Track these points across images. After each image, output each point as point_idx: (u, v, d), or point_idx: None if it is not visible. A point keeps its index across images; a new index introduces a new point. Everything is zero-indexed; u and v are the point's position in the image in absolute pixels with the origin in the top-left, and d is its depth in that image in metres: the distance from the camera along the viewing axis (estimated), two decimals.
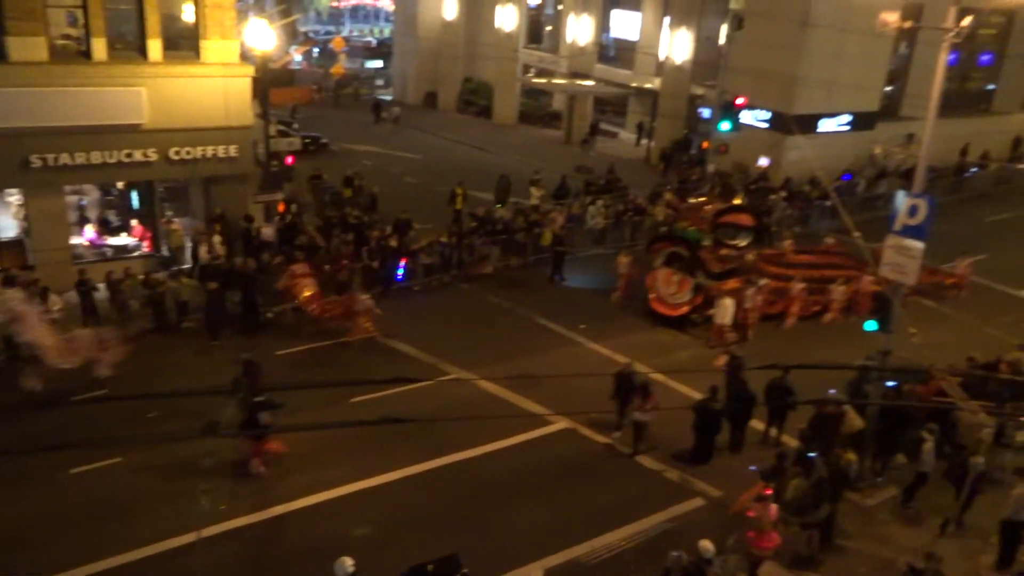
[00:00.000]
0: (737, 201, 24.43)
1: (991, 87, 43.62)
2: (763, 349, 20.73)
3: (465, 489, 15.25)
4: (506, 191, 30.77)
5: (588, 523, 14.36)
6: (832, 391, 16.50)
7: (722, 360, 17.45)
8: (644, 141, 42.39)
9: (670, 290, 22.21)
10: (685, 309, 22.06)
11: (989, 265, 27.47)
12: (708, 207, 22.97)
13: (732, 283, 21.88)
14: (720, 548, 12.62)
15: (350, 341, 20.27)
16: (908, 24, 16.27)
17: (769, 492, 13.08)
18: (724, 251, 22.52)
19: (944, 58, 14.64)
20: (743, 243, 22.80)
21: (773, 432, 17.13)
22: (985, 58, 42.98)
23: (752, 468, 13.80)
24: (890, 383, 16.74)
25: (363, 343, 20.59)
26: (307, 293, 20.48)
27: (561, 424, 17.29)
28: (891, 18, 15.48)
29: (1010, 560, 13.74)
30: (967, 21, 14.36)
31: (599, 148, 42.44)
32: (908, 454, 15.38)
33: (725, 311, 20.79)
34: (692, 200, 24.29)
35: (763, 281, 21.99)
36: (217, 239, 22.80)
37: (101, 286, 20.49)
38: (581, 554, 13.63)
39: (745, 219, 23.07)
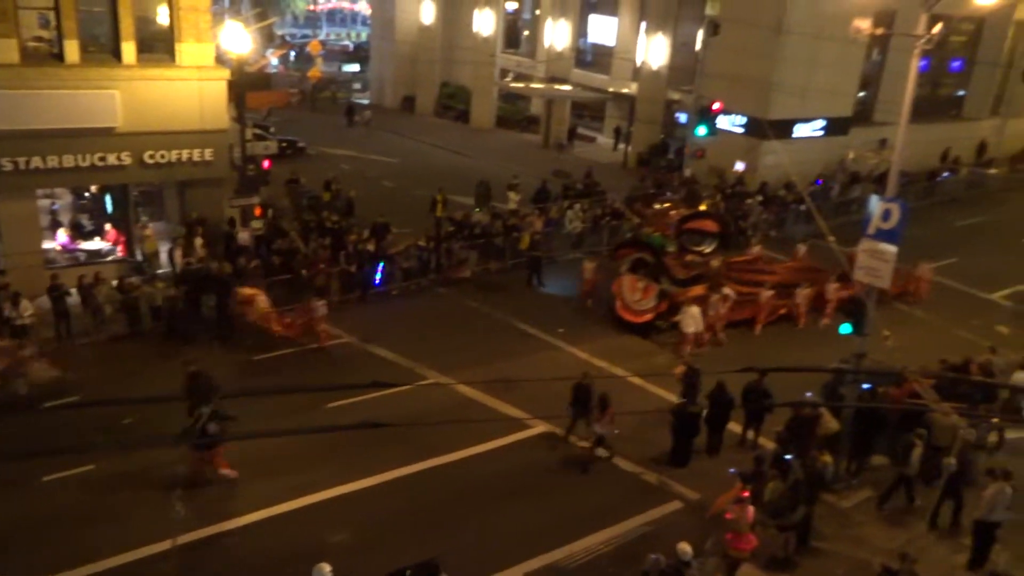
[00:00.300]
0: (703, 207, 24.49)
1: (962, 93, 44.34)
2: (739, 353, 20.94)
3: (444, 494, 15.21)
4: (486, 196, 30.78)
5: (567, 527, 14.37)
6: (808, 394, 16.65)
7: (680, 370, 17.09)
8: (621, 146, 42.62)
9: (635, 296, 21.92)
10: (650, 316, 21.80)
11: (959, 269, 27.90)
12: (673, 213, 22.95)
13: (697, 290, 21.78)
14: (698, 550, 12.68)
15: (324, 347, 20.13)
16: (880, 31, 16.53)
17: (746, 494, 13.16)
18: (689, 257, 22.45)
19: (916, 64, 14.86)
20: (708, 249, 22.74)
21: (750, 435, 17.25)
22: (956, 64, 43.69)
23: (732, 471, 13.88)
24: (865, 385, 16.91)
25: (341, 348, 20.52)
26: (261, 310, 20.05)
27: (540, 428, 17.31)
28: (864, 25, 15.69)
29: (982, 560, 13.93)
30: (937, 28, 14.59)
31: (577, 152, 42.61)
32: (895, 457, 15.55)
33: (691, 319, 20.55)
34: (657, 206, 24.33)
35: (727, 291, 21.73)
36: (199, 242, 22.57)
37: (73, 291, 20.23)
38: (560, 558, 13.64)
39: (710, 225, 22.98)
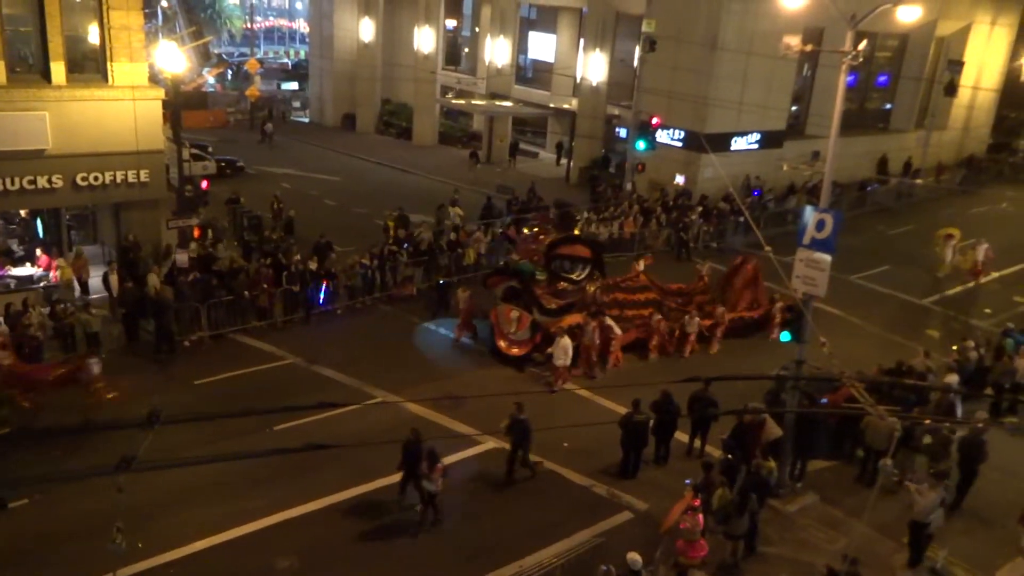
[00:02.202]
0: (577, 231, 23.39)
1: (888, 106, 45.99)
2: (684, 362, 21.29)
3: (393, 514, 15.06)
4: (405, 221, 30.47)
5: (518, 542, 14.36)
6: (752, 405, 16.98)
7: (505, 423, 15.67)
8: (564, 161, 43.06)
9: (511, 328, 20.68)
10: (527, 348, 20.54)
11: (891, 276, 28.82)
12: (542, 238, 21.65)
13: (570, 319, 20.41)
14: (648, 560, 12.80)
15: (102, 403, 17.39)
16: (809, 48, 17.00)
17: (697, 503, 13.35)
18: (561, 285, 21.18)
19: (843, 80, 15.39)
20: (580, 276, 21.47)
21: (697, 443, 17.51)
22: (882, 79, 45.35)
23: (687, 482, 14.06)
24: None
25: (285, 369, 20.22)
26: (6, 363, 17.39)
27: (489, 444, 17.28)
28: (793, 42, 16.18)
29: (919, 558, 14.37)
30: (863, 45, 15.13)
31: (520, 168, 42.89)
32: (933, 456, 16.04)
33: (562, 351, 19.25)
34: (526, 231, 23.02)
35: (609, 320, 20.53)
36: (154, 278, 21.79)
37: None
38: (510, 573, 13.61)
39: (581, 250, 21.65)
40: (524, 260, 21.60)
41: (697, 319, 21.73)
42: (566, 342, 19.28)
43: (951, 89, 41.93)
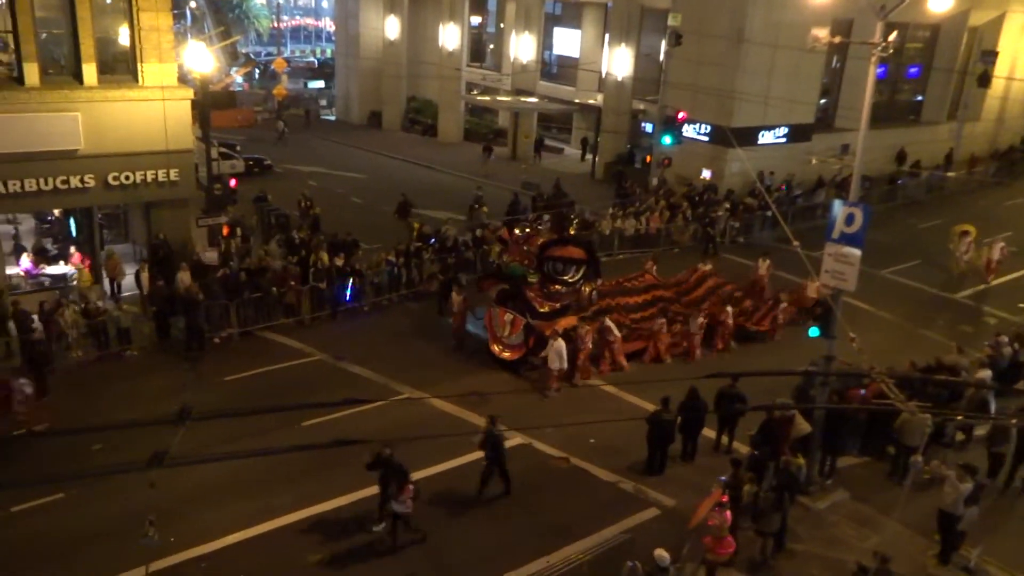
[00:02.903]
0: (572, 231, 22.37)
1: (919, 98, 45.27)
2: (711, 359, 21.16)
3: (420, 509, 15.12)
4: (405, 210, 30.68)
5: (545, 538, 14.38)
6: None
7: (479, 438, 15.15)
8: (589, 156, 42.92)
9: (504, 331, 20.33)
10: (521, 352, 20.21)
11: (923, 271, 28.39)
12: (535, 240, 20.83)
13: (564, 322, 19.95)
14: (675, 556, 12.75)
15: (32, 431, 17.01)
16: (837, 40, 16.80)
17: (725, 499, 13.28)
18: (553, 287, 20.41)
19: (873, 72, 15.18)
20: (574, 278, 20.62)
21: (724, 439, 17.41)
22: (913, 70, 44.62)
23: (721, 479, 14.00)
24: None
25: (313, 366, 20.40)
26: None
27: (515, 440, 17.28)
28: (821, 34, 15.99)
29: (951, 553, 14.18)
30: (893, 36, 14.92)
31: (545, 164, 42.83)
32: (992, 440, 16.02)
33: (555, 354, 18.82)
34: (518, 232, 21.94)
35: (608, 322, 20.30)
36: (185, 276, 22.08)
37: (35, 317, 19.91)
38: (538, 569, 13.62)
39: (574, 252, 20.69)
40: (515, 262, 20.88)
41: (701, 319, 21.28)
42: (560, 345, 18.90)
43: (984, 80, 41.12)
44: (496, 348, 20.54)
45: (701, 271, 24.10)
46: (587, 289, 20.94)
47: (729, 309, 21.83)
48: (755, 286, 24.22)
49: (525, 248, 20.73)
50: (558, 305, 20.39)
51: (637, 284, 22.76)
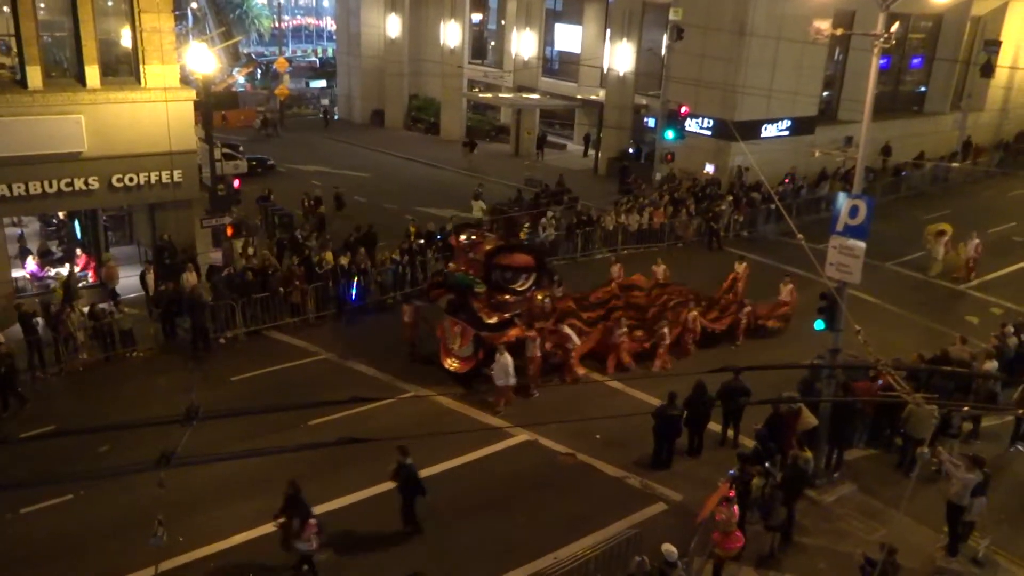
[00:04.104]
0: (523, 235, 20.82)
1: (923, 89, 45.12)
2: (714, 353, 21.15)
3: (426, 507, 15.16)
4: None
5: (552, 534, 14.39)
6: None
7: (392, 468, 14.24)
8: (592, 152, 42.88)
9: (455, 343, 19.47)
10: (471, 364, 19.24)
11: (928, 262, 28.31)
12: (481, 247, 19.67)
13: (513, 332, 18.83)
14: (683, 551, 12.75)
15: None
16: (840, 31, 16.74)
17: (732, 494, 13.27)
18: (502, 297, 19.26)
19: (876, 63, 15.14)
20: (524, 286, 19.49)
21: (730, 433, 17.40)
22: (916, 61, 44.48)
23: (731, 472, 13.99)
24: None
25: (319, 364, 20.43)
26: None
27: (522, 436, 17.32)
28: (823, 26, 15.96)
29: (958, 544, 14.17)
30: (895, 27, 14.87)
31: (548, 160, 42.80)
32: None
33: (501, 369, 17.91)
34: (464, 237, 20.71)
35: (566, 328, 19.54)
36: (191, 277, 22.10)
37: (40, 320, 19.97)
38: (545, 566, 13.62)
39: (524, 259, 19.70)
40: (461, 271, 19.71)
41: (666, 329, 20.54)
42: (506, 360, 17.89)
43: (988, 70, 40.90)
44: (448, 361, 19.60)
45: (661, 282, 23.31)
46: (540, 297, 19.71)
47: (695, 313, 21.12)
48: (731, 289, 23.14)
49: (471, 256, 19.65)
50: (507, 315, 19.15)
51: (602, 296, 21.78)
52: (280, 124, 49.96)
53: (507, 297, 19.28)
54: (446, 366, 19.62)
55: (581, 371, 19.91)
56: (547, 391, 19.15)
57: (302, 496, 13.07)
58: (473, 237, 20.54)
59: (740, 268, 24.09)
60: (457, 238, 21.11)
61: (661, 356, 20.60)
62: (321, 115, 53.31)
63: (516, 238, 20.29)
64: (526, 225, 20.48)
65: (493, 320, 19.04)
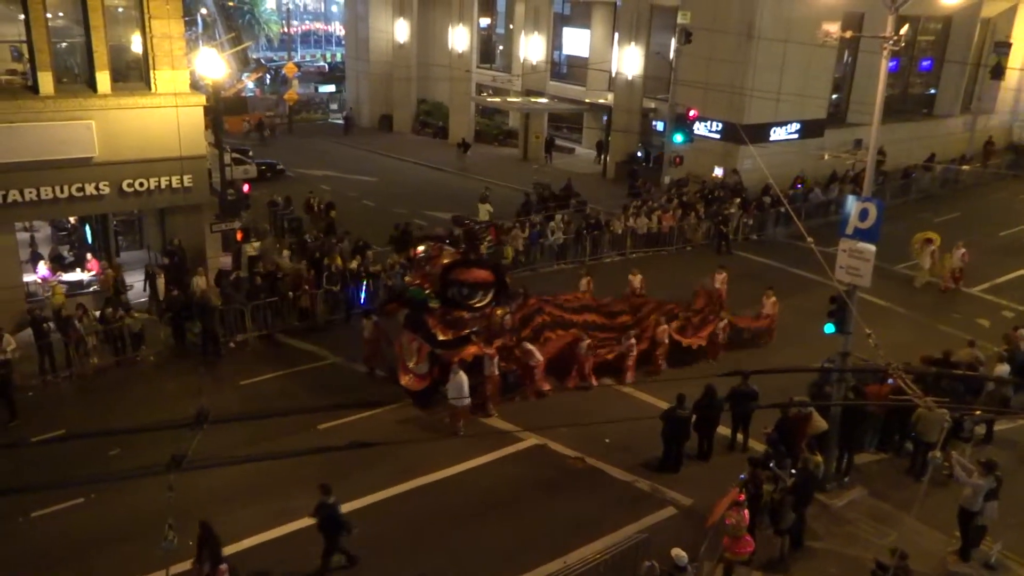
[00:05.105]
0: (484, 248, 19.97)
1: (932, 91, 44.95)
2: (723, 357, 21.08)
3: (437, 510, 15.17)
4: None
5: (561, 538, 14.37)
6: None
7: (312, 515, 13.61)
8: (603, 156, 42.88)
9: (412, 360, 18.61)
10: (427, 382, 18.46)
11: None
12: (437, 261, 18.83)
13: (471, 350, 18.11)
14: (693, 555, 12.72)
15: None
16: (848, 34, 16.71)
17: (742, 498, 13.23)
18: (457, 313, 18.43)
19: (885, 65, 15.08)
20: (481, 302, 18.66)
21: (739, 437, 17.34)
22: (925, 63, 44.31)
23: (742, 476, 13.94)
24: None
25: (328, 368, 20.46)
26: None
27: (531, 440, 17.31)
28: (832, 29, 15.92)
29: (970, 549, 14.07)
30: (904, 29, 14.83)
31: (556, 164, 42.82)
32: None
33: (454, 389, 17.22)
34: (422, 250, 19.79)
35: (528, 345, 18.93)
36: (200, 280, 22.22)
37: (50, 323, 20.09)
38: (555, 570, 13.60)
39: (481, 275, 18.91)
40: (416, 286, 18.92)
41: (633, 341, 19.86)
42: (461, 378, 17.21)
43: (998, 72, 40.82)
44: (404, 379, 18.73)
45: (637, 299, 22.55)
46: (499, 313, 18.93)
47: (665, 327, 20.35)
48: (711, 300, 22.15)
49: (428, 269, 18.89)
50: (463, 332, 18.33)
51: (571, 303, 21.09)
52: (289, 128, 50.15)
53: (463, 314, 18.44)
54: (402, 383, 18.69)
55: (546, 387, 19.25)
56: (557, 395, 19.13)
57: (215, 537, 12.37)
58: (431, 249, 19.57)
59: (719, 278, 23.29)
60: (415, 250, 20.15)
61: (629, 369, 19.89)
62: (342, 120, 53.06)
63: (477, 252, 19.18)
64: (487, 239, 19.10)
65: (448, 337, 18.26)
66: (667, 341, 20.40)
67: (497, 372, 18.34)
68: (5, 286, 20.93)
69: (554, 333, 19.82)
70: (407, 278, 19.78)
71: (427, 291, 18.49)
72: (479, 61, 49.27)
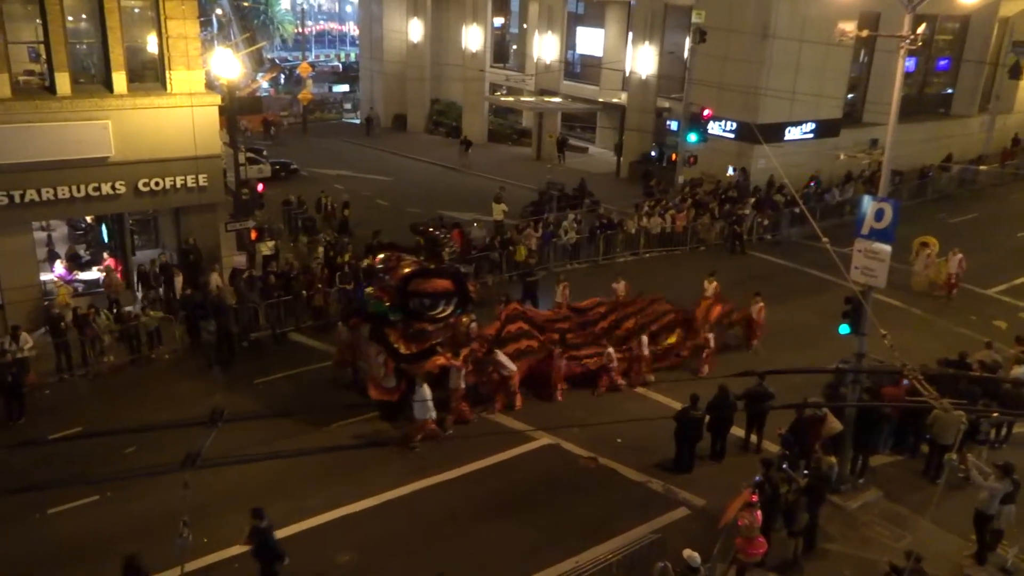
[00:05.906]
0: (446, 256, 18.69)
1: (949, 91, 44.58)
2: (737, 357, 21.00)
3: (449, 510, 15.19)
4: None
5: (574, 538, 14.36)
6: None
7: (243, 541, 13.07)
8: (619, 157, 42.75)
9: (380, 371, 17.79)
10: (395, 396, 17.75)
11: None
12: (396, 272, 17.90)
13: (438, 361, 17.57)
14: (706, 556, 12.68)
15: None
16: (865, 33, 16.59)
17: (755, 499, 13.17)
18: (419, 325, 17.66)
19: (902, 65, 14.97)
20: (444, 312, 17.85)
21: (753, 438, 17.27)
22: (943, 63, 43.95)
23: (757, 479, 13.88)
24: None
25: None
26: None
27: (544, 440, 17.30)
28: (848, 28, 15.82)
29: (986, 553, 13.96)
30: (921, 29, 14.71)
31: (570, 163, 42.77)
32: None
33: (420, 405, 16.67)
34: (378, 261, 18.85)
35: (501, 357, 18.25)
36: (215, 278, 22.32)
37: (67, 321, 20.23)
38: (567, 570, 13.59)
39: (442, 284, 17.97)
40: (375, 298, 18.15)
41: (611, 350, 19.41)
42: (425, 392, 16.68)
43: (1016, 71, 40.42)
44: (373, 392, 17.94)
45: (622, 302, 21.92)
46: (465, 320, 18.29)
47: (644, 339, 19.66)
48: (688, 327, 21.20)
49: (386, 280, 18.04)
50: (427, 344, 17.67)
51: (554, 314, 20.89)
52: (303, 128, 50.33)
53: (426, 326, 17.67)
54: (372, 396, 17.94)
55: (519, 401, 18.70)
56: (569, 396, 19.12)
57: (142, 571, 11.75)
58: (389, 260, 18.50)
59: (709, 287, 22.55)
60: (374, 259, 19.28)
61: (604, 381, 19.43)
62: (359, 120, 53.12)
63: (438, 259, 18.50)
64: (448, 249, 18.38)
65: (411, 351, 17.60)
66: (647, 353, 19.71)
67: (463, 385, 17.76)
68: (23, 285, 21.11)
69: (532, 342, 19.21)
70: (368, 290, 19.04)
71: (386, 303, 17.77)
72: (492, 61, 49.26)
